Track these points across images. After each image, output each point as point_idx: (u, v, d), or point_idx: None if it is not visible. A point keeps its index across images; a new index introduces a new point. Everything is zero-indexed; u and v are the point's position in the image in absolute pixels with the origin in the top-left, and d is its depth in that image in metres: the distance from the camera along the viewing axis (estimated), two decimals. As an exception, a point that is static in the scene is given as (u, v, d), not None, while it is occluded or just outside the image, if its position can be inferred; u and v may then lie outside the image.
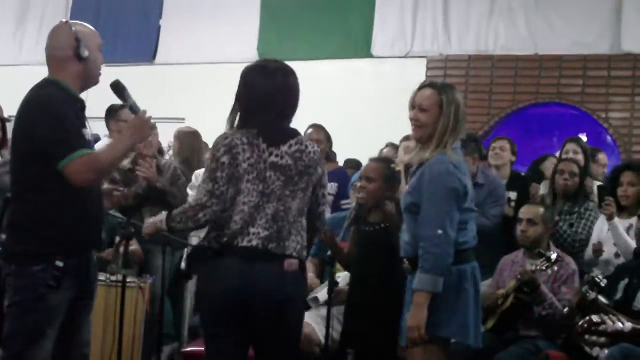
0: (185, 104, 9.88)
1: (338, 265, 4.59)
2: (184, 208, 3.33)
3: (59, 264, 3.19)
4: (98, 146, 4.04)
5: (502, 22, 9.28)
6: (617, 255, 4.96)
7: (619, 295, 4.33)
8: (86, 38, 3.38)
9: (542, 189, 5.89)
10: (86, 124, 3.36)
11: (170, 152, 6.98)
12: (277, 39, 9.99)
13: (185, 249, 5.94)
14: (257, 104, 3.28)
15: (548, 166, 6.34)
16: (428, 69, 9.46)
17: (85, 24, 3.49)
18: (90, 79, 3.41)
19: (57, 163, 3.16)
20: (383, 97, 9.09)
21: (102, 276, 4.43)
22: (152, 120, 3.36)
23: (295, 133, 3.35)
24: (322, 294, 4.70)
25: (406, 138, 5.97)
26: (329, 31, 9.90)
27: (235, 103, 3.37)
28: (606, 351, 3.87)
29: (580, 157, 5.87)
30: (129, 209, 5.42)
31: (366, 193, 4.30)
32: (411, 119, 3.69)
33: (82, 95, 3.44)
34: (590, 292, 3.84)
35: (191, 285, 5.86)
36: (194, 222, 3.25)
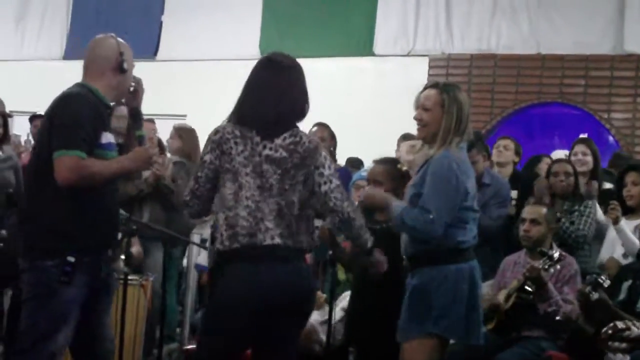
0: (187, 100, 9.89)
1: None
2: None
3: (71, 259, 3.23)
4: None
5: (504, 22, 9.28)
6: (625, 255, 4.96)
7: (622, 296, 4.31)
8: (127, 53, 3.51)
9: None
10: (109, 128, 3.44)
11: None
12: (279, 37, 9.98)
13: (188, 247, 5.95)
14: (252, 97, 3.25)
15: (543, 167, 6.32)
16: (430, 67, 9.45)
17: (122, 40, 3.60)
18: (122, 92, 3.54)
19: (53, 152, 3.23)
20: (385, 95, 9.10)
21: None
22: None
23: (290, 126, 3.28)
24: None
25: (404, 137, 5.97)
26: (331, 29, 9.89)
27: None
28: (628, 357, 3.83)
29: (589, 159, 5.85)
30: (130, 205, 5.41)
31: None
32: (415, 119, 3.75)
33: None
34: (594, 292, 3.82)
35: (192, 283, 5.86)
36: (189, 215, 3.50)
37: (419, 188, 3.64)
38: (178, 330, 6.08)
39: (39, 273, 3.26)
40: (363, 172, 5.12)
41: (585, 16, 8.94)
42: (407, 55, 9.66)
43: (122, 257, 4.35)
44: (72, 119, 3.26)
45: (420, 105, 3.73)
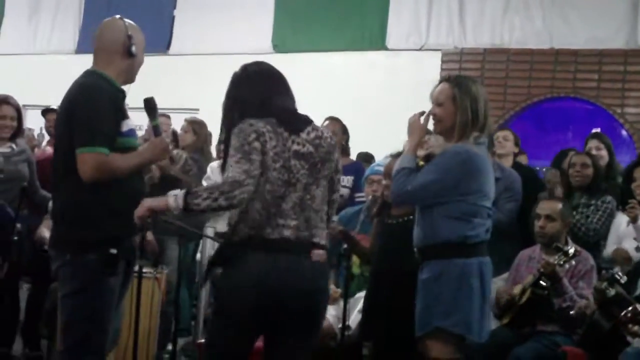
0: (199, 94, 9.86)
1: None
2: (214, 184, 3.23)
3: (113, 251, 3.25)
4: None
5: (517, 16, 9.26)
6: (637, 249, 4.91)
7: (638, 291, 4.29)
8: (136, 36, 3.47)
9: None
10: (128, 115, 3.43)
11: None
12: (292, 31, 9.97)
13: (202, 240, 5.94)
14: (273, 91, 3.22)
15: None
16: (443, 62, 9.43)
17: (132, 22, 3.56)
18: (132, 76, 3.52)
19: (77, 148, 3.23)
20: (397, 90, 9.07)
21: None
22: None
23: (309, 120, 3.26)
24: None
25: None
26: (344, 23, 9.87)
27: (235, 101, 3.27)
28: None
29: (603, 153, 5.81)
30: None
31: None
32: (431, 114, 3.73)
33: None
34: (610, 288, 3.80)
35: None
36: (227, 200, 2.96)
37: None
38: (192, 323, 6.09)
39: (80, 267, 3.26)
40: (376, 167, 5.09)
41: (598, 11, 8.91)
42: (420, 49, 9.65)
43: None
44: (94, 114, 3.26)
45: (434, 100, 3.72)
